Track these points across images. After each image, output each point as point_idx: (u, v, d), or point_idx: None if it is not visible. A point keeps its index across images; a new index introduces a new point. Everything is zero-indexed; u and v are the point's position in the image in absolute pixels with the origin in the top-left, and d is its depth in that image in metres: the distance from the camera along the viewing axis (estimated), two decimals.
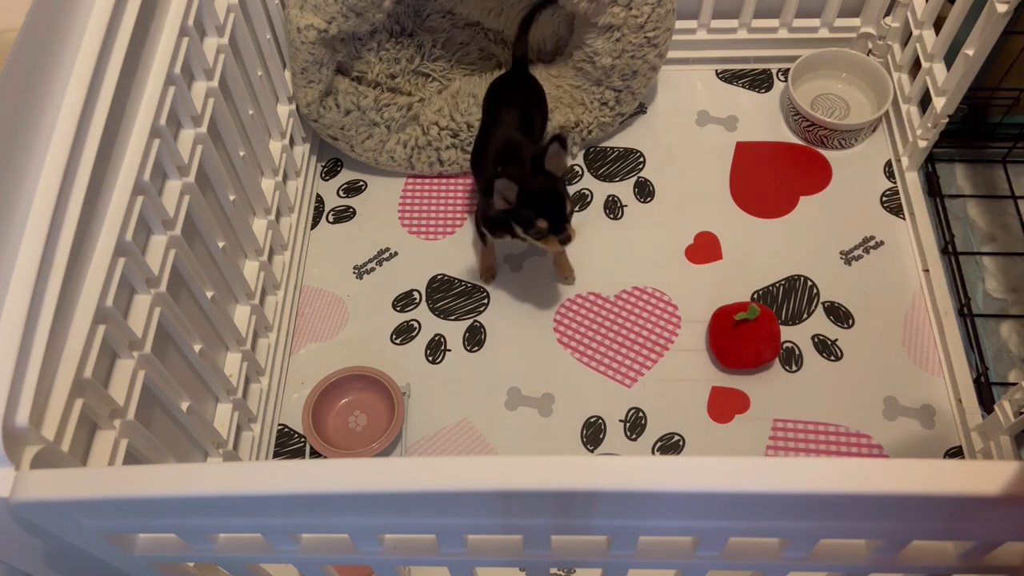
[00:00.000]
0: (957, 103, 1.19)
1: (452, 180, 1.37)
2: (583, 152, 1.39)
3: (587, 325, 1.22)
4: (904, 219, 1.29)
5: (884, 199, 1.31)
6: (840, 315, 1.21)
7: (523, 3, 1.31)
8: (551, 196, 1.05)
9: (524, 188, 1.03)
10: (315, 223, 1.34)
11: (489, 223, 1.15)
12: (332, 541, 0.63)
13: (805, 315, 1.21)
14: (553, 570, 0.94)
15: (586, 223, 1.31)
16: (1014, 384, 1.08)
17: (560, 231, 1.05)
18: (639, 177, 1.35)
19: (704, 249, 1.28)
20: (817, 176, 1.34)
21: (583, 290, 1.25)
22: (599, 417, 1.14)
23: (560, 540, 0.61)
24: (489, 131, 1.21)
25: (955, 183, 1.35)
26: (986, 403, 1.11)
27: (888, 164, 1.34)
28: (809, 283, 1.24)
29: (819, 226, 1.29)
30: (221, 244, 1.00)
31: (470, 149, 1.33)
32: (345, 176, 1.38)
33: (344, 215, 1.34)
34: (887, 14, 1.37)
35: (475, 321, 1.23)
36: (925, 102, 1.25)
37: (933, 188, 1.30)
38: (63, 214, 0.69)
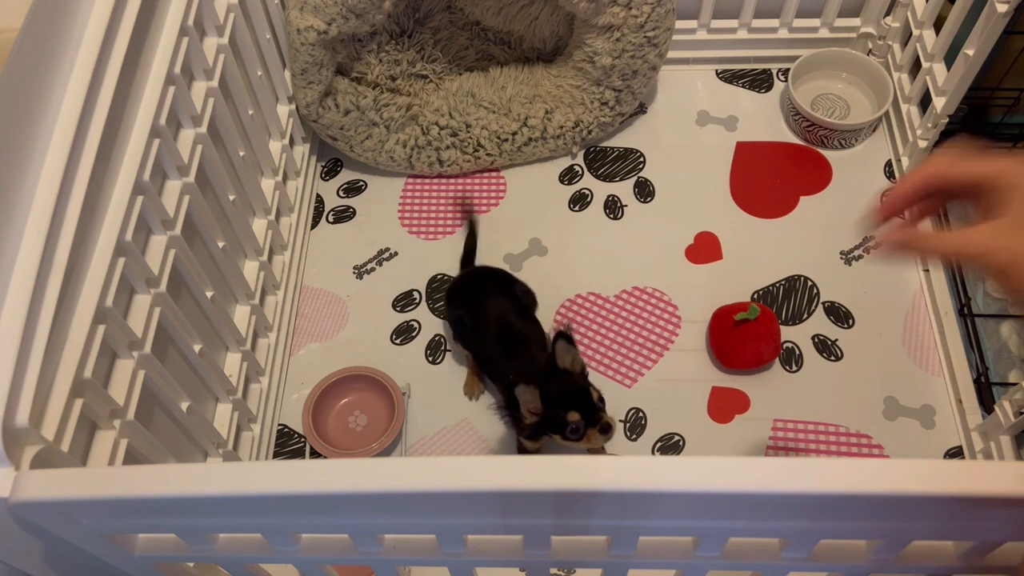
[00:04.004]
0: (957, 103, 1.18)
1: (452, 180, 1.37)
2: (583, 152, 1.39)
3: (587, 325, 1.22)
4: (904, 219, 1.29)
5: (884, 199, 1.31)
6: (840, 315, 1.21)
7: (522, 1, 1.31)
8: (573, 388, 0.97)
9: (544, 391, 0.95)
10: (315, 223, 1.34)
11: (525, 434, 1.03)
12: (332, 541, 0.63)
13: (805, 315, 1.21)
14: (553, 570, 0.94)
15: (586, 223, 1.31)
16: (1014, 384, 1.08)
17: (596, 421, 0.96)
18: (639, 177, 1.35)
19: (704, 249, 1.28)
20: (817, 176, 1.34)
21: (583, 290, 1.25)
22: None
23: (560, 540, 0.61)
24: (484, 329, 1.10)
25: None
26: (986, 403, 1.11)
27: (888, 164, 1.34)
28: (809, 283, 1.24)
29: (819, 226, 1.29)
30: (221, 244, 1.00)
31: (469, 150, 1.33)
32: (345, 176, 1.38)
33: (344, 215, 1.34)
34: (887, 14, 1.37)
35: None
36: (925, 102, 1.25)
37: None
38: (63, 214, 0.69)
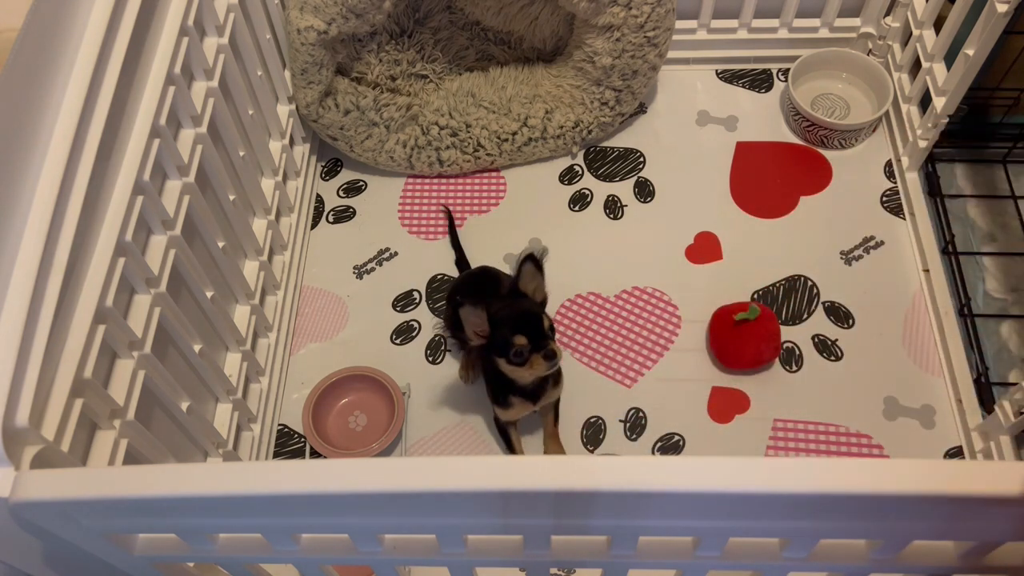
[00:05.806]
0: (957, 103, 1.19)
1: (452, 180, 1.37)
2: (583, 152, 1.39)
3: (587, 325, 1.22)
4: (904, 219, 1.29)
5: (884, 199, 1.31)
6: (840, 315, 1.21)
7: (522, 1, 1.31)
8: (525, 313, 0.95)
9: (494, 312, 0.94)
10: (315, 223, 1.34)
11: (490, 382, 1.04)
12: (332, 541, 0.63)
13: (805, 315, 1.21)
14: (553, 570, 0.94)
15: (586, 223, 1.31)
16: (1014, 384, 1.08)
17: (542, 347, 0.94)
18: (639, 177, 1.35)
19: (704, 249, 1.28)
20: (817, 176, 1.34)
21: (583, 290, 1.25)
22: (599, 417, 1.14)
23: (560, 540, 0.61)
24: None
25: (955, 183, 1.35)
26: (986, 403, 1.11)
27: (888, 164, 1.34)
28: (809, 283, 1.24)
29: (819, 226, 1.29)
30: (221, 244, 1.00)
31: (469, 150, 1.33)
32: (345, 176, 1.38)
33: (344, 215, 1.34)
34: (887, 14, 1.37)
35: None
36: (925, 102, 1.25)
37: (933, 188, 1.30)
38: (63, 214, 0.69)
